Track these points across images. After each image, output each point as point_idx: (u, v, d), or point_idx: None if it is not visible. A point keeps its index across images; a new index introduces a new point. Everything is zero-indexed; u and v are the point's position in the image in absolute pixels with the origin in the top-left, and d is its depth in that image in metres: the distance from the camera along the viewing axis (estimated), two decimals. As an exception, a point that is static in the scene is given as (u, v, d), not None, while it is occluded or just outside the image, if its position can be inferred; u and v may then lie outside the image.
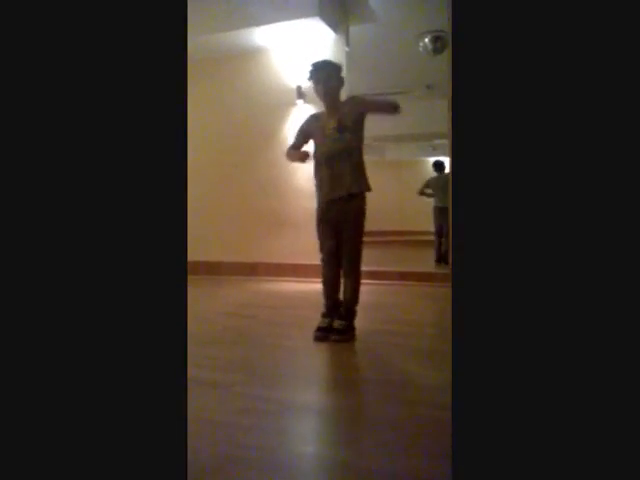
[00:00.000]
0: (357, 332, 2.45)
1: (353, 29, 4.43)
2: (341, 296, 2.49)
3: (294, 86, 4.52)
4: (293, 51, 4.53)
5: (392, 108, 2.39)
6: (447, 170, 5.29)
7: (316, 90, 2.43)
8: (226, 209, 4.88)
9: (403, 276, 4.32)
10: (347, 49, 4.41)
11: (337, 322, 2.43)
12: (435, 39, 4.66)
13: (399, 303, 3.49)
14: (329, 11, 4.13)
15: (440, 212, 5.15)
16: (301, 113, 4.54)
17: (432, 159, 8.18)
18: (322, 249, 2.48)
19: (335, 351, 2.26)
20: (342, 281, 2.47)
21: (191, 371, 1.91)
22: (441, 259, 5.02)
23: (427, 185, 5.41)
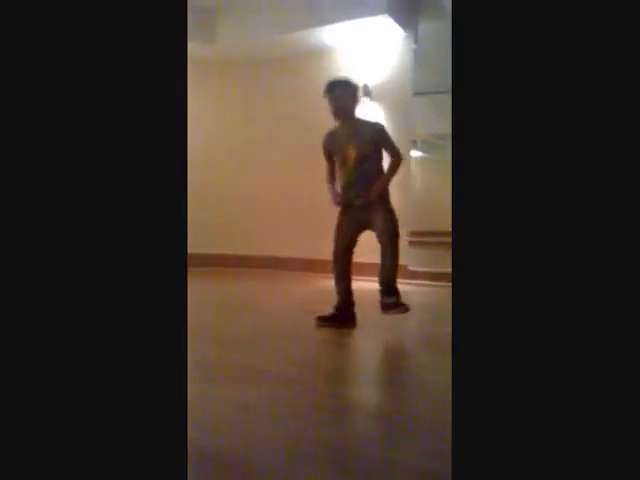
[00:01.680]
0: (420, 334, 2.43)
1: (422, 26, 4.37)
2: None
3: (361, 84, 4.52)
4: (361, 49, 4.53)
5: (398, 165, 2.52)
6: None
7: (330, 106, 2.50)
8: (287, 206, 4.97)
9: (442, 277, 4.22)
10: (415, 46, 4.35)
11: (387, 298, 2.46)
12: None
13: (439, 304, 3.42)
14: (399, 8, 4.09)
15: None
16: (367, 111, 4.55)
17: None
18: (337, 244, 2.57)
19: (390, 354, 2.26)
20: (381, 257, 2.50)
21: (259, 363, 1.98)
22: None
23: None
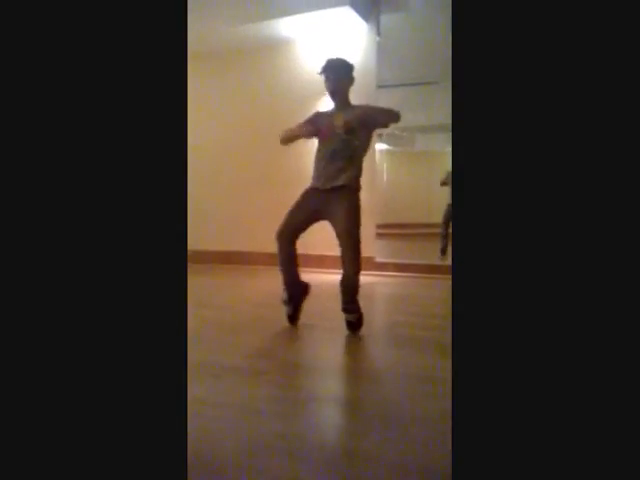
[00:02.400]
0: (380, 324, 2.45)
1: (385, 18, 4.38)
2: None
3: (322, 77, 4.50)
4: (323, 41, 4.51)
5: (396, 116, 2.42)
6: None
7: (326, 86, 2.45)
8: (254, 200, 4.92)
9: (429, 269, 4.28)
10: (378, 39, 4.36)
11: (349, 316, 2.40)
12: (468, 28, 4.57)
13: (420, 295, 3.46)
14: (361, 0, 4.08)
15: (450, 208, 5.12)
16: (330, 104, 4.53)
17: (463, 150, 8.04)
18: (285, 228, 2.46)
19: (357, 342, 2.27)
20: (343, 271, 2.38)
21: (219, 358, 1.95)
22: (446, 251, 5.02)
23: (447, 176, 5.31)
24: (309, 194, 2.48)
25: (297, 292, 2.54)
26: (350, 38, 4.38)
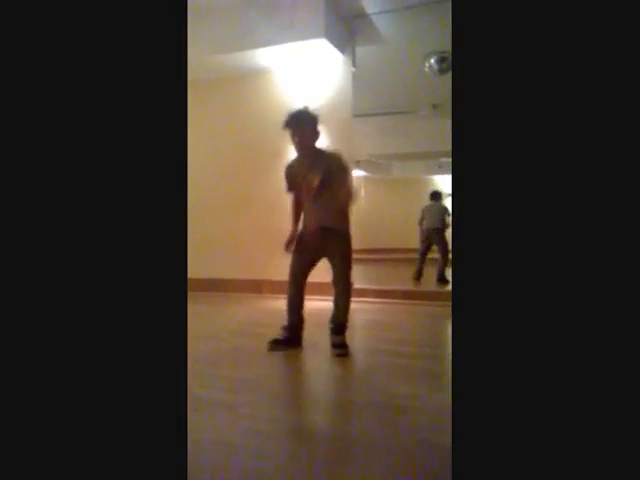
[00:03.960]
0: (362, 352, 2.43)
1: (359, 50, 4.49)
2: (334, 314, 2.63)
3: (300, 106, 4.56)
4: (299, 72, 4.59)
5: (351, 200, 2.54)
6: (443, 201, 5.38)
7: (292, 141, 2.51)
8: (233, 228, 4.91)
9: (407, 295, 4.29)
10: (353, 69, 4.46)
11: (336, 337, 2.56)
12: (441, 59, 4.72)
13: (401, 322, 3.47)
14: (335, 32, 4.19)
15: (428, 234, 5.19)
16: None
17: (438, 177, 8.22)
18: (292, 269, 2.62)
19: (339, 373, 2.25)
20: (334, 299, 2.61)
21: (198, 391, 1.91)
22: (420, 277, 5.07)
23: (422, 213, 5.40)
24: (304, 236, 2.60)
25: (297, 327, 2.66)
26: (326, 68, 4.47)
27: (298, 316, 2.65)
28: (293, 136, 2.49)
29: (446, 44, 4.46)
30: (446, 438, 1.41)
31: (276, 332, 3.06)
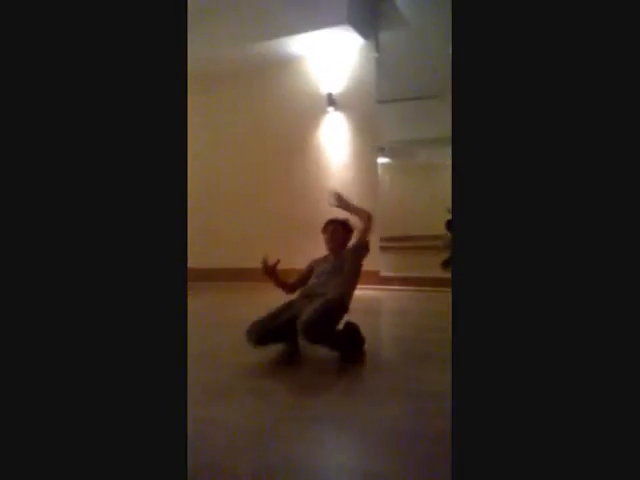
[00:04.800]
0: (387, 339, 2.42)
1: (383, 35, 4.43)
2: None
3: (325, 93, 4.55)
4: (323, 59, 4.57)
5: (369, 222, 2.52)
6: None
7: (326, 241, 2.59)
8: (262, 215, 4.94)
9: (434, 282, 4.24)
10: (376, 55, 4.41)
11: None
12: (466, 42, 4.61)
13: (429, 309, 3.45)
14: (358, 18, 4.14)
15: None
16: (332, 120, 4.57)
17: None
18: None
19: (359, 359, 2.25)
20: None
21: (223, 377, 1.94)
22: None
23: (446, 241, 5.21)
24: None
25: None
26: (349, 55, 4.43)
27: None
28: (330, 241, 2.57)
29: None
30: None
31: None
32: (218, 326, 3.11)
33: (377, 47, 4.40)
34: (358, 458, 1.34)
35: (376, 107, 4.43)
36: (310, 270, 2.63)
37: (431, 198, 7.24)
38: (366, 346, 2.29)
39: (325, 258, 2.64)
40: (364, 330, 2.33)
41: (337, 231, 2.57)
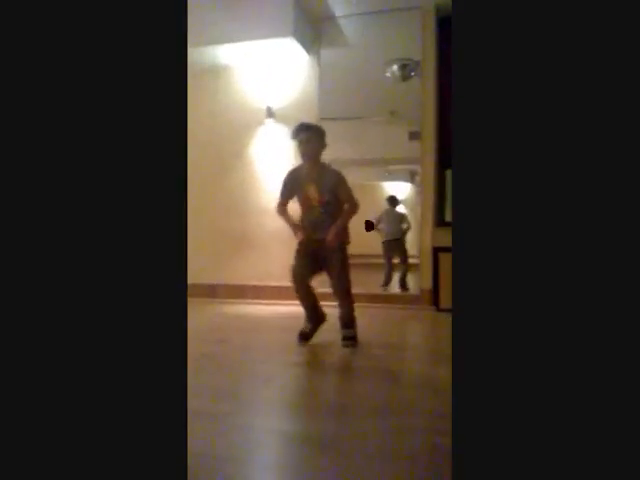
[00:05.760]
0: (335, 355, 2.37)
1: (324, 52, 4.45)
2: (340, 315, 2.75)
3: (264, 105, 4.46)
4: (264, 70, 4.49)
5: (353, 213, 2.67)
6: (399, 207, 5.38)
7: (299, 150, 2.59)
8: (189, 228, 4.70)
9: (374, 299, 4.28)
10: (319, 71, 4.41)
11: (345, 331, 2.68)
12: (403, 66, 4.76)
13: (373, 325, 3.43)
14: (303, 32, 4.13)
15: (388, 245, 5.18)
16: (270, 132, 4.48)
17: (387, 183, 8.33)
18: (294, 273, 2.66)
19: (320, 376, 2.17)
20: (338, 304, 2.73)
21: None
22: (388, 282, 5.06)
23: (379, 218, 5.39)
24: (303, 243, 2.65)
25: (316, 318, 2.75)
26: (292, 69, 4.40)
27: (317, 313, 2.73)
28: (300, 147, 2.58)
29: (409, 51, 4.50)
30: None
31: (241, 338, 2.96)
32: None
33: (319, 64, 4.41)
34: None
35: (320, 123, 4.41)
36: (289, 189, 2.66)
37: (359, 218, 7.34)
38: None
39: (300, 168, 2.66)
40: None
41: (310, 140, 2.54)
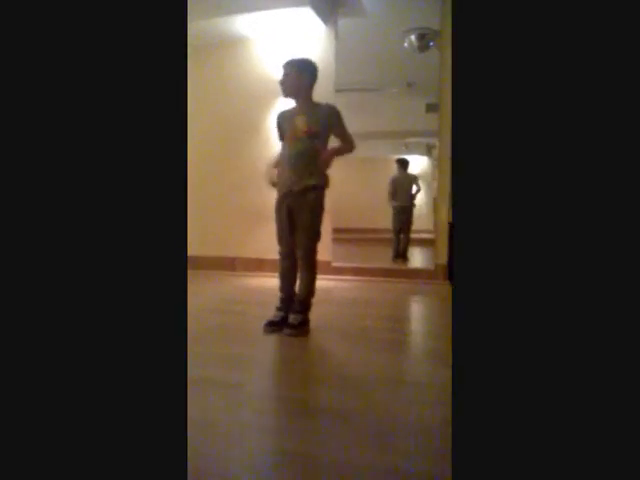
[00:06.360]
0: (352, 328, 2.40)
1: (342, 22, 4.37)
2: (296, 290, 2.51)
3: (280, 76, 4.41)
4: (281, 41, 4.43)
5: (350, 150, 2.49)
6: (410, 169, 5.34)
7: (281, 84, 2.40)
8: (206, 202, 4.73)
9: (385, 273, 4.30)
10: (335, 42, 4.34)
11: (292, 316, 2.42)
12: (421, 36, 4.65)
13: (385, 299, 3.46)
14: (320, 1, 4.04)
15: (400, 211, 5.17)
16: (287, 104, 4.44)
17: (404, 157, 8.23)
18: (280, 242, 2.47)
19: (332, 346, 2.20)
20: (298, 279, 2.48)
21: (198, 370, 1.81)
22: (399, 256, 5.05)
23: (392, 185, 5.37)
24: (279, 203, 2.46)
25: (289, 302, 2.50)
26: (309, 39, 4.33)
27: (291, 289, 2.50)
28: (287, 78, 2.37)
29: (428, 20, 4.40)
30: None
31: (257, 310, 3.00)
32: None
33: (336, 34, 4.33)
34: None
35: (333, 96, 4.36)
36: (282, 129, 2.49)
37: (372, 192, 7.30)
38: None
39: (290, 109, 2.48)
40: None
41: (289, 75, 2.37)
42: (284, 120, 2.46)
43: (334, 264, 4.31)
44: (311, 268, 2.43)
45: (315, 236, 2.39)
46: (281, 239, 2.46)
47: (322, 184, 2.40)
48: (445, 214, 4.19)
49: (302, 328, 2.40)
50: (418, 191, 5.07)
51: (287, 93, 2.41)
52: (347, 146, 2.47)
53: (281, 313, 2.47)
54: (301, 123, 2.35)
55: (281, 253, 2.49)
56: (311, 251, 2.41)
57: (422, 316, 3.15)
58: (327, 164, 2.40)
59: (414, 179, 5.25)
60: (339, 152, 2.46)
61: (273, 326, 2.42)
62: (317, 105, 2.44)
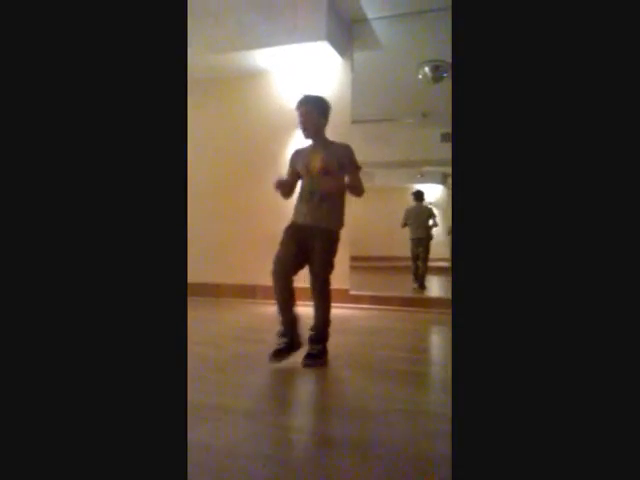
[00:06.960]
0: (367, 359, 2.38)
1: (358, 55, 4.48)
2: (299, 310, 2.45)
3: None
4: (299, 74, 4.54)
5: (361, 193, 2.47)
6: (425, 201, 5.36)
7: (299, 121, 2.43)
8: (226, 231, 4.79)
9: (404, 302, 4.26)
10: (352, 74, 4.44)
11: (310, 346, 2.40)
12: (435, 68, 4.74)
13: (402, 329, 3.43)
14: (337, 36, 4.16)
15: (417, 243, 5.18)
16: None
17: (419, 185, 8.27)
18: (278, 262, 2.38)
19: (345, 378, 2.18)
20: (313, 309, 2.45)
21: (203, 398, 1.81)
22: (417, 281, 5.03)
23: (406, 215, 5.40)
24: (291, 229, 2.46)
25: (291, 325, 2.41)
26: (326, 72, 4.44)
27: (291, 314, 2.39)
28: (309, 117, 2.39)
29: (441, 52, 4.48)
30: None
31: (276, 338, 2.99)
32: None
33: (352, 67, 4.43)
34: None
35: (350, 127, 4.43)
36: (295, 172, 2.49)
37: (389, 221, 7.33)
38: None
39: (306, 146, 2.49)
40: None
41: (309, 114, 2.38)
42: (299, 157, 2.49)
43: (352, 292, 4.30)
44: (326, 298, 2.42)
45: (329, 268, 2.40)
46: (279, 259, 2.38)
47: (337, 228, 2.44)
48: (462, 242, 4.16)
49: (320, 358, 2.37)
50: (435, 225, 5.07)
51: (309, 133, 2.43)
52: (356, 188, 2.46)
53: (284, 339, 2.37)
54: (316, 161, 2.38)
55: (275, 273, 2.37)
56: (325, 282, 2.40)
57: (441, 346, 3.11)
58: (330, 189, 2.38)
59: (430, 212, 5.26)
60: (353, 182, 2.44)
61: (278, 355, 2.33)
62: (332, 143, 2.47)
